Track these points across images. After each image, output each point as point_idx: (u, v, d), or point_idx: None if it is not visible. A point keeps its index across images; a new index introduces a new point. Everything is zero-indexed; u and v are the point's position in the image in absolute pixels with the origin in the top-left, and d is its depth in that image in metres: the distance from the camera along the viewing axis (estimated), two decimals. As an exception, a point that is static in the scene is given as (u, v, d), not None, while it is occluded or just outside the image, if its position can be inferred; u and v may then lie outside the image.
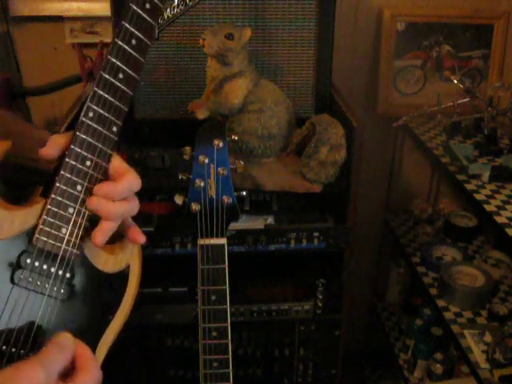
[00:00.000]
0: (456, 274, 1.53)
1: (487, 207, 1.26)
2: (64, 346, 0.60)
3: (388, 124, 1.74)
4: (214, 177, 0.86)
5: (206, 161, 0.85)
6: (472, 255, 1.70)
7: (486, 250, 1.73)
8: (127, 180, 0.70)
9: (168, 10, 1.22)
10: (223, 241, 0.90)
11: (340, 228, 1.22)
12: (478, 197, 1.30)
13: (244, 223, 1.20)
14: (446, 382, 1.66)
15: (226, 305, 0.91)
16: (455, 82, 1.60)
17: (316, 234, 1.21)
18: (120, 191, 0.70)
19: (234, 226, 0.92)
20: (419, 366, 1.70)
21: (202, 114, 1.16)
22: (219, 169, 0.86)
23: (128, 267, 0.78)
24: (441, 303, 1.48)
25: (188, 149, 0.87)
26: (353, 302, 1.47)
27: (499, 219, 1.21)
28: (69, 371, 0.60)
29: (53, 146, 0.67)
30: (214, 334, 0.91)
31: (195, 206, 0.87)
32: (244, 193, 0.90)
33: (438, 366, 1.65)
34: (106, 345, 0.77)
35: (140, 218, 1.21)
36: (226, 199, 0.87)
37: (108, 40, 1.30)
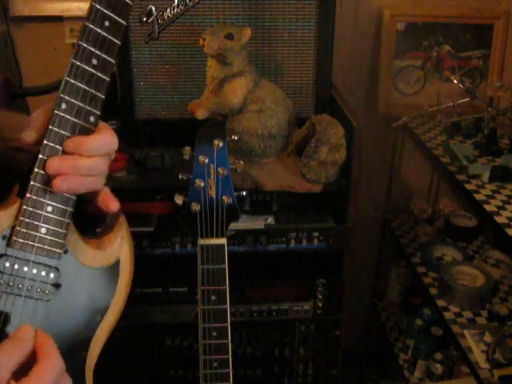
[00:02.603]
0: (456, 274, 1.53)
1: (487, 207, 1.26)
2: (21, 340, 0.58)
3: (388, 124, 1.74)
4: (214, 177, 0.86)
5: (206, 161, 0.85)
6: (472, 255, 1.69)
7: (486, 250, 1.73)
8: (103, 135, 0.66)
9: (168, 9, 1.22)
10: (223, 241, 0.90)
11: (340, 228, 1.22)
12: (478, 197, 1.30)
13: (244, 223, 1.20)
14: (446, 382, 1.66)
15: (226, 305, 0.91)
16: (455, 82, 1.60)
17: (316, 234, 1.21)
18: (92, 144, 0.64)
19: (234, 225, 0.92)
20: (419, 365, 1.70)
21: (201, 114, 1.15)
22: (219, 169, 0.86)
23: (118, 262, 0.74)
24: (441, 303, 1.48)
25: (188, 149, 0.87)
26: (353, 302, 1.47)
27: (499, 219, 1.21)
28: (30, 362, 0.57)
29: (32, 127, 0.64)
30: (214, 333, 0.91)
31: (195, 206, 0.87)
32: (244, 193, 0.90)
33: (438, 365, 1.65)
34: (99, 344, 0.74)
35: (140, 218, 1.22)
36: (226, 199, 0.87)
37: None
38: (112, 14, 0.64)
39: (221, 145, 0.85)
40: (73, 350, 0.69)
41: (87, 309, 0.72)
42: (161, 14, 1.22)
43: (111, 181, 1.16)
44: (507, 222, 1.20)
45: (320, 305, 1.30)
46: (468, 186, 1.35)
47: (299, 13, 1.24)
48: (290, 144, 1.25)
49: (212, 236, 0.89)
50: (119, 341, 1.30)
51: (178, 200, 0.88)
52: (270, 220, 1.23)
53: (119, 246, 0.74)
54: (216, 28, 1.12)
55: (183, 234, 1.18)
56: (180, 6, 1.21)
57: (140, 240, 1.18)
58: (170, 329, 1.31)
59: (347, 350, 1.43)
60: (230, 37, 1.10)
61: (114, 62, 0.67)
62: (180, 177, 0.88)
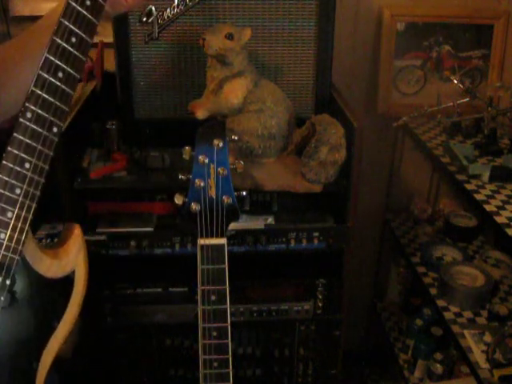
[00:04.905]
0: (456, 274, 1.53)
1: (487, 207, 1.26)
2: None
3: (388, 124, 1.74)
4: (214, 177, 0.86)
5: (206, 161, 0.85)
6: (472, 255, 1.69)
7: (486, 250, 1.73)
8: None
9: (168, 9, 1.22)
10: (223, 241, 0.90)
11: (340, 228, 1.22)
12: (478, 197, 1.30)
13: (244, 223, 1.20)
14: (446, 382, 1.66)
15: (226, 305, 0.91)
16: (455, 82, 1.60)
17: (316, 234, 1.21)
18: None
19: (234, 226, 0.92)
20: (419, 365, 1.70)
21: (201, 114, 1.15)
22: (219, 169, 0.86)
23: (73, 272, 0.76)
24: (441, 303, 1.48)
25: (188, 149, 0.87)
26: (353, 301, 1.47)
27: (499, 219, 1.21)
28: None
29: None
30: (214, 333, 0.91)
31: (195, 206, 0.87)
32: (244, 193, 0.90)
33: (438, 365, 1.65)
34: (52, 352, 0.75)
35: (140, 218, 1.22)
36: (226, 199, 0.87)
37: (108, 40, 1.30)
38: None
39: (221, 145, 0.84)
40: (25, 360, 0.70)
41: (41, 317, 0.73)
42: (161, 14, 1.22)
43: (111, 181, 1.17)
44: (507, 221, 1.20)
45: (320, 305, 1.30)
46: (468, 186, 1.35)
47: (299, 13, 1.24)
48: (290, 144, 1.25)
49: (212, 236, 0.89)
50: (119, 341, 1.30)
51: (178, 200, 0.88)
52: (270, 220, 1.23)
53: (75, 257, 0.76)
54: (216, 28, 1.12)
55: (183, 233, 1.18)
56: (180, 6, 1.21)
57: (140, 240, 1.18)
58: (170, 329, 1.31)
59: (347, 350, 1.43)
60: (230, 37, 1.10)
61: (91, 41, 0.71)
62: (180, 177, 0.88)
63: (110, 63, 1.33)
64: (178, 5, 1.21)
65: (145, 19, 1.22)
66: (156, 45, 1.25)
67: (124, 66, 1.26)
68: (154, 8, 1.21)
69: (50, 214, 1.15)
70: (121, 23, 1.22)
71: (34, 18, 1.58)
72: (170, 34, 1.24)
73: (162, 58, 1.26)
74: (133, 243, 1.17)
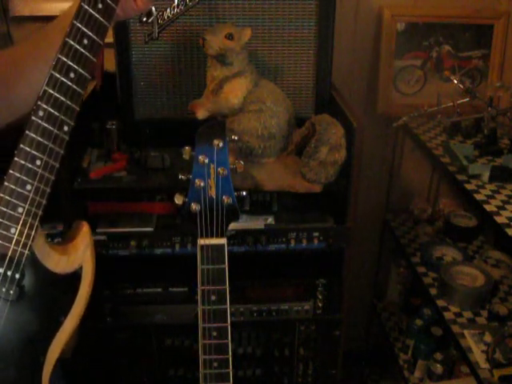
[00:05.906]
0: (456, 274, 1.53)
1: (487, 207, 1.26)
2: None
3: (388, 124, 1.74)
4: (214, 177, 0.86)
5: (206, 161, 0.85)
6: (472, 255, 1.69)
7: (485, 249, 1.73)
8: None
9: (168, 9, 1.22)
10: (223, 241, 0.90)
11: (340, 228, 1.22)
12: (478, 197, 1.30)
13: (244, 223, 1.20)
14: (446, 382, 1.66)
15: (226, 305, 0.91)
16: (455, 82, 1.59)
17: (316, 234, 1.21)
18: None
19: (234, 225, 0.92)
20: (419, 365, 1.70)
21: (201, 114, 1.15)
22: (219, 169, 0.86)
23: (81, 268, 0.78)
24: (441, 303, 1.48)
25: (188, 149, 0.87)
26: (353, 301, 1.47)
27: (499, 219, 1.21)
28: None
29: None
30: (214, 333, 0.91)
31: (195, 206, 0.87)
32: (244, 193, 0.90)
33: (438, 366, 1.65)
34: (58, 346, 0.76)
35: (140, 218, 1.22)
36: (226, 199, 0.87)
37: (108, 40, 1.30)
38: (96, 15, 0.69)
39: (221, 145, 0.85)
40: (32, 354, 0.71)
41: (48, 312, 0.74)
42: (161, 14, 1.22)
43: (111, 181, 1.17)
44: (507, 222, 1.20)
45: (320, 305, 1.30)
46: (468, 186, 1.35)
47: (299, 13, 1.24)
48: (290, 144, 1.25)
49: (212, 236, 0.89)
50: (119, 341, 1.30)
51: (178, 200, 0.88)
52: (270, 220, 1.23)
53: (83, 253, 0.78)
54: (216, 28, 1.12)
55: (183, 233, 1.18)
56: (180, 6, 1.21)
57: (140, 240, 1.18)
58: (170, 329, 1.31)
59: (347, 350, 1.43)
60: (230, 37, 1.10)
61: (102, 43, 0.73)
62: (180, 177, 0.88)
63: (110, 63, 1.33)
64: (178, 5, 1.21)
65: (145, 19, 1.22)
66: (156, 45, 1.25)
67: (124, 66, 1.26)
68: (154, 8, 1.21)
69: (50, 214, 1.15)
70: (121, 23, 1.22)
71: (34, 18, 1.60)
72: (170, 34, 1.24)
73: (161, 58, 1.26)
74: (133, 243, 1.17)
